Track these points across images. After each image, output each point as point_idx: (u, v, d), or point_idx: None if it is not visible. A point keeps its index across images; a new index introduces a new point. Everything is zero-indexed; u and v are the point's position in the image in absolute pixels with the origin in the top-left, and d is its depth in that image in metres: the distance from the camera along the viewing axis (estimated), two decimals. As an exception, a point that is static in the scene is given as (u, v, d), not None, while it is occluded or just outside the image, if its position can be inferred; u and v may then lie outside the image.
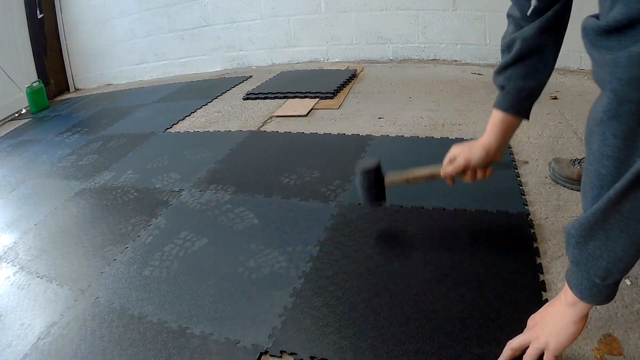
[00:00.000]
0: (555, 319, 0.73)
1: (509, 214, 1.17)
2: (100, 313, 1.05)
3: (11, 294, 1.20)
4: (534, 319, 0.79)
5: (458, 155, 1.02)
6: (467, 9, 2.51)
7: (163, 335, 0.95)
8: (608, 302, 0.68)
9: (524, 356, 0.74)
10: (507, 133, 0.98)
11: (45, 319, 1.07)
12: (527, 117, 0.96)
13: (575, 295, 0.69)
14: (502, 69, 0.92)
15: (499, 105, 0.95)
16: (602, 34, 0.51)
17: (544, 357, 0.73)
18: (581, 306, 0.69)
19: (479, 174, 1.03)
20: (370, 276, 1.02)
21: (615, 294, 0.67)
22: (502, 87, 0.94)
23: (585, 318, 0.71)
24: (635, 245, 0.59)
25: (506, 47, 0.91)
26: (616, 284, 0.66)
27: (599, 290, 0.66)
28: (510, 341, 0.77)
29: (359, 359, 0.83)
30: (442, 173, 1.04)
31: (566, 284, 0.71)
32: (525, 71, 0.89)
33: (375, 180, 1.09)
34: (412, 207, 1.25)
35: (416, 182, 1.09)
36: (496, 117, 0.97)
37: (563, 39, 0.89)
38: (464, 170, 1.02)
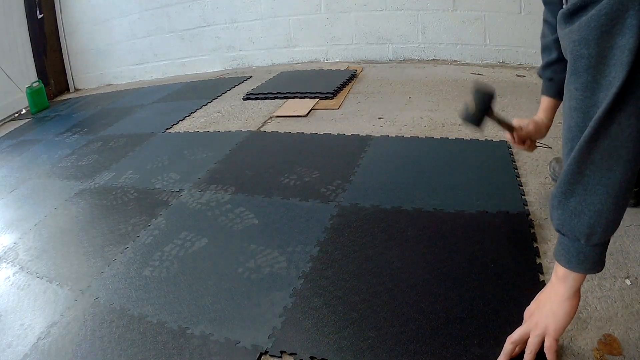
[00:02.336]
0: (549, 301, 0.74)
1: (509, 214, 1.17)
2: (100, 313, 1.05)
3: (11, 294, 1.20)
4: (529, 310, 0.79)
5: (525, 125, 1.12)
6: (467, 9, 2.51)
7: (163, 335, 0.95)
8: (597, 271, 0.69)
9: (527, 346, 0.74)
10: (554, 114, 1.15)
11: (46, 319, 1.07)
12: None
13: (564, 266, 0.70)
14: (548, 65, 1.10)
15: (550, 93, 1.12)
16: (565, 17, 0.62)
17: (545, 343, 0.73)
18: (572, 279, 0.71)
19: (531, 146, 1.17)
20: (370, 276, 1.02)
21: (603, 263, 0.69)
22: (550, 79, 1.11)
23: (578, 293, 0.72)
24: (612, 198, 0.63)
25: (547, 48, 1.09)
26: (602, 248, 0.68)
27: (586, 255, 0.67)
28: (509, 335, 0.77)
29: (358, 359, 0.83)
30: (515, 134, 1.13)
31: (555, 263, 0.73)
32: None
33: (488, 105, 1.08)
34: (413, 208, 1.25)
35: (494, 123, 1.12)
36: (548, 103, 1.14)
37: None
38: (526, 139, 1.15)
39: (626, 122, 0.59)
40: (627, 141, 0.60)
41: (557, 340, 0.72)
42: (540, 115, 1.15)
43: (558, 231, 0.70)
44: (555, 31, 1.04)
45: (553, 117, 1.16)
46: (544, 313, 0.74)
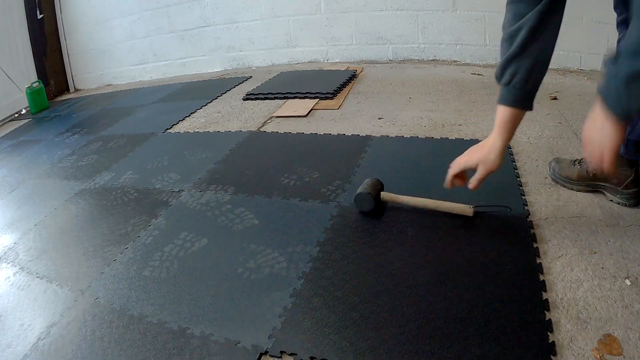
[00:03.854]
0: (598, 129, 0.78)
1: (509, 214, 1.17)
2: (100, 313, 1.05)
3: (11, 294, 1.20)
4: (586, 133, 0.82)
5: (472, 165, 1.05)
6: (467, 9, 2.52)
7: (163, 335, 0.95)
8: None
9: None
10: (512, 132, 0.98)
11: (45, 320, 1.07)
12: (532, 109, 0.96)
13: (609, 110, 0.75)
14: (509, 61, 0.91)
15: (509, 102, 0.94)
16: None
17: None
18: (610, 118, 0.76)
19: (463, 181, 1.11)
20: (370, 276, 1.02)
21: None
22: (507, 84, 0.92)
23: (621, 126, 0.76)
24: None
25: (509, 37, 0.90)
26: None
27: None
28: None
29: (359, 359, 0.83)
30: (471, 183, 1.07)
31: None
32: (530, 63, 0.89)
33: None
34: (413, 208, 1.25)
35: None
36: (505, 115, 0.95)
37: (561, 22, 0.90)
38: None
39: None
40: None
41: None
42: (495, 137, 0.98)
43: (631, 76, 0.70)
44: (519, 14, 0.89)
45: (511, 137, 0.98)
46: (596, 137, 0.79)
